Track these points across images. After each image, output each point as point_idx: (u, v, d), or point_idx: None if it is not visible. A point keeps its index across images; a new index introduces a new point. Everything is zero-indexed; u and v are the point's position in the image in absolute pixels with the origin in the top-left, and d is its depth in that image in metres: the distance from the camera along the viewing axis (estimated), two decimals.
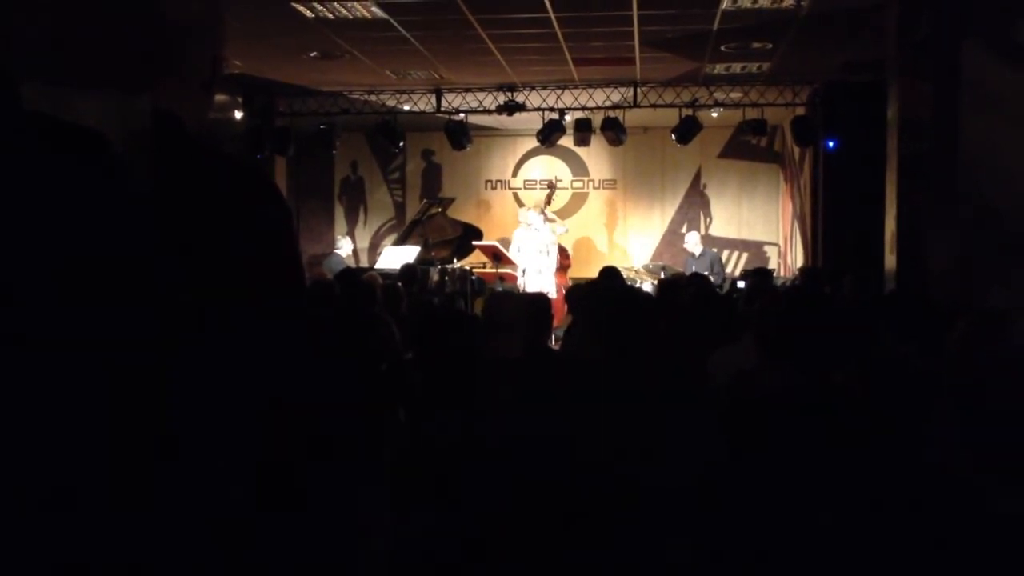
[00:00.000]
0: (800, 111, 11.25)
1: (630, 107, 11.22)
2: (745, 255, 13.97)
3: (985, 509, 2.42)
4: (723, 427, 2.68)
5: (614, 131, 11.27)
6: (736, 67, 10.03)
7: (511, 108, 11.29)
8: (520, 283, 11.44)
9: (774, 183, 13.98)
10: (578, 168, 14.24)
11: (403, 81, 10.91)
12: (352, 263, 12.24)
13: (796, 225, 12.73)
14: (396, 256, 11.28)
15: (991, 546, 2.41)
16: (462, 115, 11.71)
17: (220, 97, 10.93)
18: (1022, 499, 2.43)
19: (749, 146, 13.50)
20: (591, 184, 14.32)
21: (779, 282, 9.92)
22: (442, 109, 11.61)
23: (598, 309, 2.98)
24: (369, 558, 2.98)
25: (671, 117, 11.29)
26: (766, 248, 14.03)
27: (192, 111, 1.09)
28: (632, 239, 14.25)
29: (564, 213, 13.94)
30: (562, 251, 12.10)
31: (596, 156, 13.92)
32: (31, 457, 0.90)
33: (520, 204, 14.03)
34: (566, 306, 11.11)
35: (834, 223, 10.61)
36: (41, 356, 0.91)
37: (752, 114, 11.24)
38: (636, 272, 11.88)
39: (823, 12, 7.65)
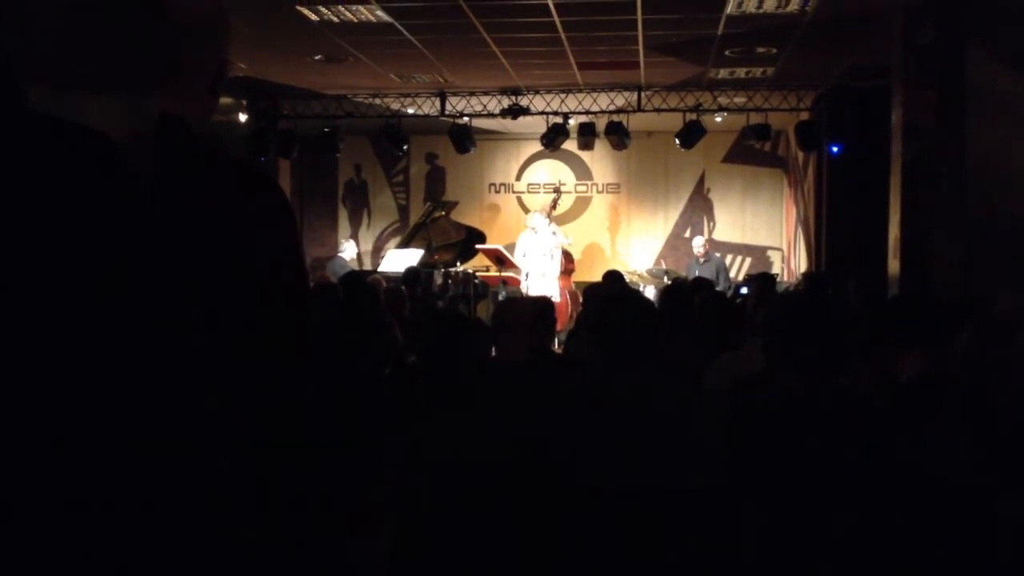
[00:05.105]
0: (804, 116, 11.24)
1: (634, 111, 11.22)
2: (748, 260, 13.96)
3: (991, 514, 2.42)
4: (726, 432, 2.68)
5: (618, 135, 11.27)
6: (740, 72, 10.03)
7: (515, 112, 11.29)
8: (523, 287, 11.44)
9: (778, 188, 13.97)
10: (582, 172, 14.24)
11: (407, 84, 10.92)
12: (355, 266, 12.24)
13: (800, 230, 12.72)
14: (399, 259, 11.29)
15: (996, 552, 2.40)
16: (466, 119, 11.71)
17: (224, 100, 10.95)
18: None
19: (753, 151, 13.49)
20: (595, 188, 14.32)
21: (782, 287, 9.91)
22: (446, 112, 11.61)
23: (601, 313, 2.98)
24: (369, 562, 2.98)
25: (675, 121, 11.28)
26: (770, 253, 14.02)
27: (197, 114, 1.09)
28: (635, 243, 14.24)
29: (568, 217, 13.94)
30: (566, 255, 12.10)
31: (600, 160, 13.92)
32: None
33: (524, 207, 14.05)
34: (569, 310, 11.19)
35: (838, 228, 10.60)
36: (39, 353, 0.91)
37: (756, 119, 11.24)
38: (639, 276, 11.88)
39: (827, 17, 7.65)
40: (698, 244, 12.02)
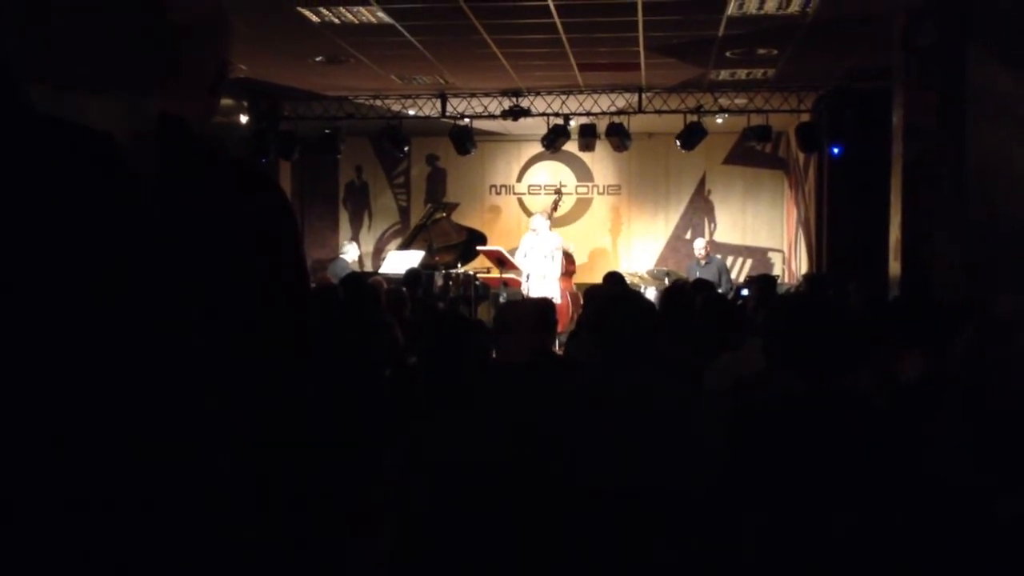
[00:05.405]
0: (805, 117, 11.24)
1: (635, 113, 11.22)
2: (749, 261, 13.96)
3: (991, 514, 2.42)
4: (726, 432, 2.68)
5: (619, 137, 11.26)
6: (741, 73, 10.03)
7: (516, 113, 11.29)
8: (524, 288, 11.44)
9: (778, 189, 13.97)
10: (582, 174, 14.24)
11: (408, 86, 10.92)
12: (357, 268, 12.24)
13: (800, 231, 12.72)
14: (400, 261, 11.29)
15: (996, 552, 2.40)
16: (467, 120, 11.72)
17: (225, 101, 10.97)
18: None
19: (754, 152, 13.50)
20: (595, 190, 14.32)
21: (783, 288, 9.90)
22: (447, 114, 11.61)
23: (601, 313, 2.98)
24: (369, 562, 2.98)
25: (676, 123, 11.28)
26: (770, 254, 14.02)
27: (197, 114, 1.09)
28: (636, 245, 14.24)
29: (568, 218, 13.95)
30: (568, 256, 12.08)
31: (601, 162, 13.92)
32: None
33: (524, 209, 14.06)
34: (571, 311, 11.19)
35: (838, 229, 10.60)
36: (39, 353, 0.91)
37: (757, 120, 11.24)
38: (640, 278, 11.87)
39: (828, 18, 7.65)
40: (699, 246, 12.01)
